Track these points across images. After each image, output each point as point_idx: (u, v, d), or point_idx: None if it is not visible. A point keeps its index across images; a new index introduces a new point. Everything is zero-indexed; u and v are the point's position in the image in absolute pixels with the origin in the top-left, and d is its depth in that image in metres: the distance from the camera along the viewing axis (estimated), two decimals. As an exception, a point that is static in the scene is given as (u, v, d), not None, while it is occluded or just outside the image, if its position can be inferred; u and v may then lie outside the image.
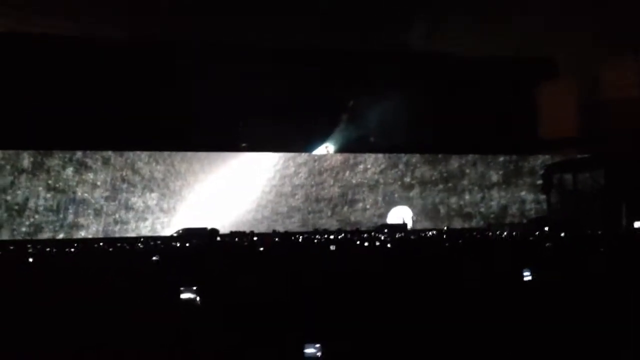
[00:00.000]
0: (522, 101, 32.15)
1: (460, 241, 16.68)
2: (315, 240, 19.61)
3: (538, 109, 32.75)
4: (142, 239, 24.49)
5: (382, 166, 32.95)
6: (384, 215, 32.58)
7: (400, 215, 32.41)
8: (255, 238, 22.23)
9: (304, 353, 3.72)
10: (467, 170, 33.17)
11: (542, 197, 32.01)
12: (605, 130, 29.69)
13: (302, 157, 32.85)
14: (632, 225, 22.05)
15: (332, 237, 22.32)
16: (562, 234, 18.69)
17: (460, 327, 4.55)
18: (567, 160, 31.28)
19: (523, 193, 32.91)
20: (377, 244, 16.55)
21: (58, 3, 27.92)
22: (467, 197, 33.02)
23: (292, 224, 31.53)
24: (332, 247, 14.32)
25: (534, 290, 6.56)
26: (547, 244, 13.58)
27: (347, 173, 32.80)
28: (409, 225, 31.46)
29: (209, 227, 28.49)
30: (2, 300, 6.54)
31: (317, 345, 3.72)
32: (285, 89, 30.96)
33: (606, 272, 7.60)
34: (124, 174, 29.98)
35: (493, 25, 29.90)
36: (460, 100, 30.86)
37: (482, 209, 32.99)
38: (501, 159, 33.12)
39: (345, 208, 32.63)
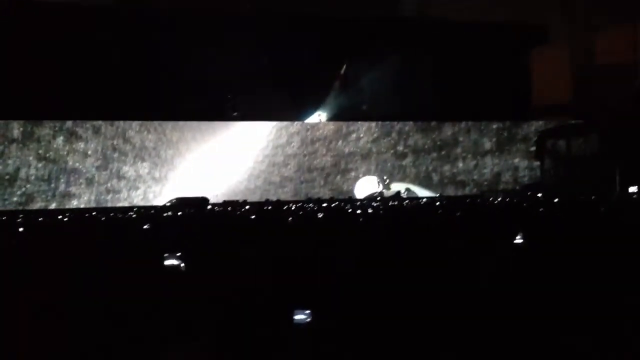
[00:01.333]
0: (515, 68, 32.09)
1: (453, 208, 16.66)
2: (308, 209, 19.57)
3: (531, 75, 32.70)
4: (134, 209, 24.42)
5: (375, 135, 32.83)
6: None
7: (373, 183, 32.33)
8: (247, 207, 22.16)
9: (293, 319, 3.69)
10: (461, 138, 33.11)
11: (536, 163, 32.07)
12: (598, 96, 29.68)
13: (295, 126, 32.68)
14: (626, 191, 22.11)
15: (324, 205, 22.24)
16: (556, 200, 18.71)
17: (453, 294, 4.52)
18: (560, 127, 31.28)
19: (516, 160, 32.93)
20: (370, 211, 16.51)
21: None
22: (460, 164, 33.03)
23: (285, 194, 31.48)
24: (320, 215, 14.26)
25: (527, 256, 6.53)
26: (540, 210, 13.59)
27: (340, 142, 32.69)
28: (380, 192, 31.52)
29: (202, 196, 28.43)
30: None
31: (307, 312, 3.69)
32: (277, 58, 30.75)
33: (600, 237, 7.56)
34: (115, 143, 29.83)
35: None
36: (454, 67, 30.77)
37: (476, 177, 33.03)
38: (494, 126, 33.06)
39: (338, 177, 32.59)
